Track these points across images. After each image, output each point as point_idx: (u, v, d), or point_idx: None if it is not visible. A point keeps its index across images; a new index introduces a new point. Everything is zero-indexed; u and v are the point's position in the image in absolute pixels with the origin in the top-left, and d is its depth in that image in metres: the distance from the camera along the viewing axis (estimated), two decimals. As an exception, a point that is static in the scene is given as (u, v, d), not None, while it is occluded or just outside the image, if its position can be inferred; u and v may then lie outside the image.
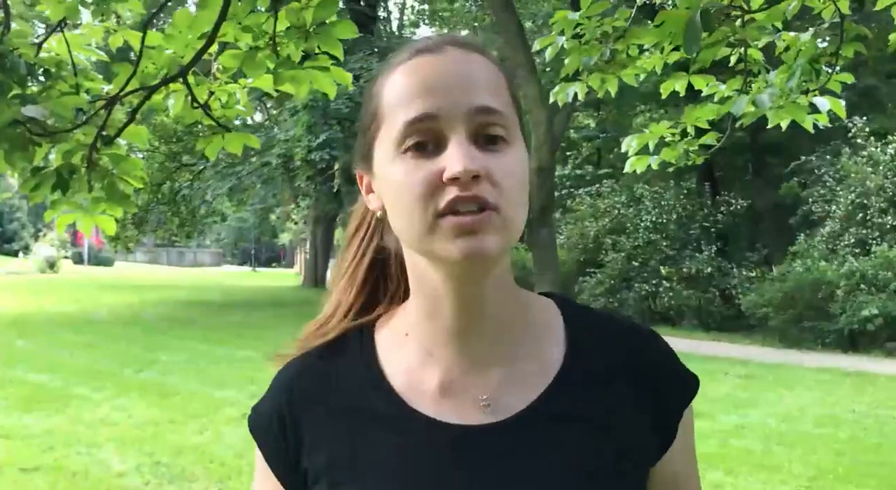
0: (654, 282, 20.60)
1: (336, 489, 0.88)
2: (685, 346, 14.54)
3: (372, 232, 1.02)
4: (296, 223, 52.31)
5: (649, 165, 3.90)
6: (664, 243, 21.02)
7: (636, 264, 21.05)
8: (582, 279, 22.15)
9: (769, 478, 6.13)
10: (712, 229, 21.28)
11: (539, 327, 0.95)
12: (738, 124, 3.72)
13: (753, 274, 19.13)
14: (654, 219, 21.15)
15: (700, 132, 3.88)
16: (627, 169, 3.90)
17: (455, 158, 0.79)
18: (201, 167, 24.46)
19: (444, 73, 0.83)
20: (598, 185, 24.03)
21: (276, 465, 0.95)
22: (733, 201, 21.19)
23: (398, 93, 0.85)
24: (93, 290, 25.34)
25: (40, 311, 18.65)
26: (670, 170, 4.32)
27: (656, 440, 0.94)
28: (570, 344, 0.93)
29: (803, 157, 18.92)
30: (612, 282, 21.24)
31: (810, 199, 18.37)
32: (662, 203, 21.34)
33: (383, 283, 1.02)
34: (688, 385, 0.99)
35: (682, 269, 20.55)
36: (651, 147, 3.93)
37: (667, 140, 3.91)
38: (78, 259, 43.69)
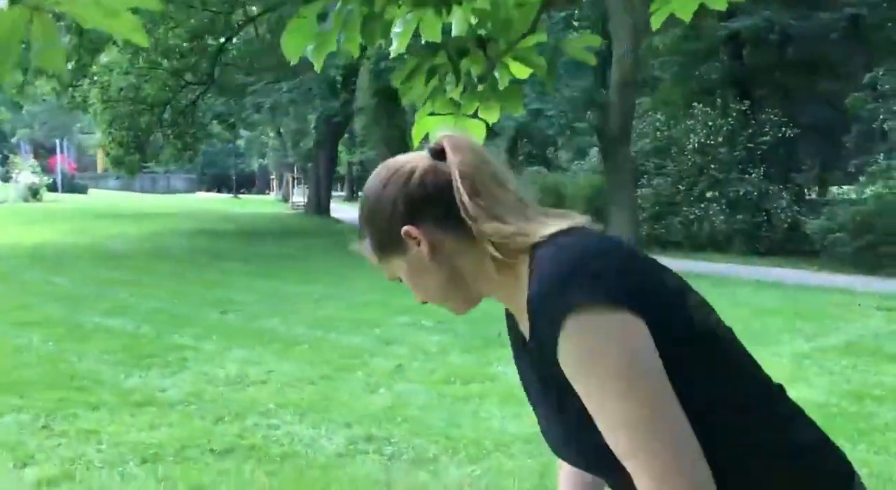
0: (701, 206, 19.68)
1: None
2: (763, 274, 13.67)
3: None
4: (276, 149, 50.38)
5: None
6: (712, 166, 19.98)
7: (682, 188, 20.07)
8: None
9: None
10: (758, 151, 20.23)
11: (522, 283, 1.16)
12: None
13: (813, 196, 18.29)
14: (701, 140, 20.01)
15: None
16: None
17: None
18: (204, 88, 22.65)
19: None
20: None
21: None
22: (775, 118, 20.07)
23: None
24: (90, 220, 23.64)
25: (51, 243, 17.08)
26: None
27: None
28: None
29: (871, 73, 17.77)
30: (657, 208, 20.26)
31: (881, 115, 17.31)
32: (709, 123, 20.18)
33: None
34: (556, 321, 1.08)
35: (729, 193, 19.63)
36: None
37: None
38: (52, 187, 41.43)
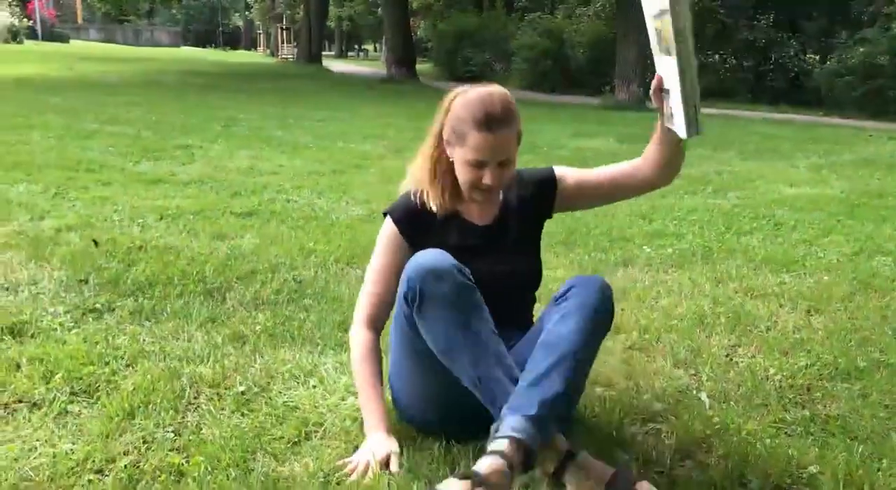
0: (707, 52, 19.16)
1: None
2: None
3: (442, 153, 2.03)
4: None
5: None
6: (721, 11, 19.30)
7: (689, 33, 19.46)
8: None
9: None
10: (769, -3, 19.52)
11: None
12: None
13: (823, 43, 17.78)
14: (711, -18, 19.24)
15: None
16: None
17: (489, 177, 1.93)
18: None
19: (493, 145, 1.89)
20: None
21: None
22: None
23: (472, 146, 1.90)
24: (77, 61, 22.83)
25: (39, 76, 16.49)
26: None
27: (547, 207, 2.17)
28: (504, 195, 2.13)
29: None
30: (662, 53, 19.72)
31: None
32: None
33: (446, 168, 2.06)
34: (548, 179, 2.16)
35: (736, 39, 19.07)
36: None
37: None
38: (31, 34, 39.87)
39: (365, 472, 1.81)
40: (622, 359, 2.63)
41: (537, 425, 1.67)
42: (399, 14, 23.25)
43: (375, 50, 66.46)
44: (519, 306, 2.14)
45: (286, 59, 37.65)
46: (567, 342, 1.78)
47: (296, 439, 2.02)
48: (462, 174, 1.98)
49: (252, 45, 65.90)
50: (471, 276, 1.84)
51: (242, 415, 2.14)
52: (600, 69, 19.48)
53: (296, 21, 35.53)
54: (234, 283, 3.26)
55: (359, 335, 2.07)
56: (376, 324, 2.09)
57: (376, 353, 2.05)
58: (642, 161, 2.05)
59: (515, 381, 1.77)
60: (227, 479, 1.80)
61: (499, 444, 1.64)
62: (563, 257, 3.93)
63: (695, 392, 2.38)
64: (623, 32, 16.58)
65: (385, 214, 2.10)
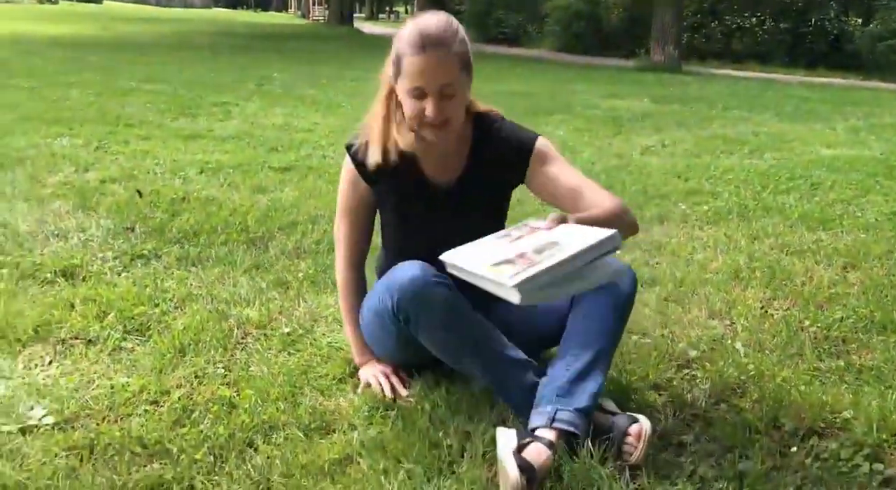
0: (745, 14, 18.79)
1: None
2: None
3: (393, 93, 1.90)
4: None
5: None
6: (759, -29, 18.90)
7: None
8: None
9: None
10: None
11: (462, 143, 2.00)
12: None
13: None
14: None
15: None
16: None
17: (430, 108, 1.80)
18: None
19: (427, 68, 1.77)
20: None
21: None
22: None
23: (408, 72, 1.79)
24: (110, 21, 22.97)
25: (72, 35, 16.62)
26: None
27: (517, 176, 2.01)
28: (473, 149, 2.00)
29: None
30: (698, 16, 19.37)
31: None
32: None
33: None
34: (525, 148, 1.99)
35: (775, 1, 18.68)
36: None
37: None
38: (65, -5, 40.08)
39: (392, 386, 2.01)
40: (657, 309, 2.66)
41: (587, 417, 1.73)
42: (430, -26, 23.00)
43: (406, 12, 65.90)
44: None
45: (317, 20, 37.52)
46: (605, 337, 1.82)
47: (340, 377, 2.09)
48: (407, 109, 1.84)
49: (283, 6, 65.72)
50: (450, 282, 1.76)
51: (289, 354, 2.22)
52: (635, 31, 19.20)
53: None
54: (276, 233, 3.34)
55: (340, 276, 2.15)
56: (355, 262, 2.14)
57: (356, 291, 2.13)
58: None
59: (520, 363, 1.85)
60: (277, 411, 1.88)
61: (550, 433, 1.68)
62: (598, 213, 3.94)
63: (729, 341, 2.42)
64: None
65: (347, 148, 2.01)
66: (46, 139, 5.18)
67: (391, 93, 1.89)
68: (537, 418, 1.72)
